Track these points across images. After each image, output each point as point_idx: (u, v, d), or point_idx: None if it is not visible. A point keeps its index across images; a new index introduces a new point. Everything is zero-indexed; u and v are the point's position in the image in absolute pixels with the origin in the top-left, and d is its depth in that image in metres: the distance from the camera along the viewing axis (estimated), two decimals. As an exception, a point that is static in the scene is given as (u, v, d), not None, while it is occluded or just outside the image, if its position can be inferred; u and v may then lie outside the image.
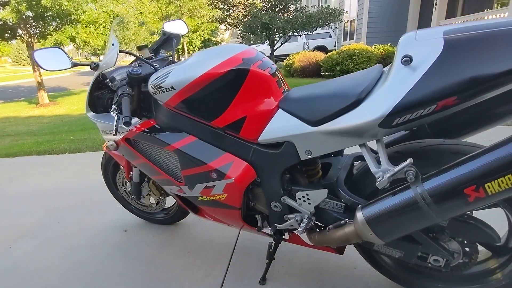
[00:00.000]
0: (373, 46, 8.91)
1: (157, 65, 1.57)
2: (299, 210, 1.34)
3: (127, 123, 1.30)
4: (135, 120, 1.53)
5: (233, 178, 1.32)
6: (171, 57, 1.72)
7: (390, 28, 10.82)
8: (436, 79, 0.90)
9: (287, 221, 1.38)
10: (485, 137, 1.40)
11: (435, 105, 0.91)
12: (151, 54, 1.71)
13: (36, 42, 9.12)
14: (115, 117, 1.42)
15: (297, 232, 1.28)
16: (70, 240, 2.09)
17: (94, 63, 1.49)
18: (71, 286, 1.66)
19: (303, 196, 1.29)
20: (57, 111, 8.40)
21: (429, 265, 1.19)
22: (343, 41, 14.00)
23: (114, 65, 1.43)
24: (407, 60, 0.94)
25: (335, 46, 15.24)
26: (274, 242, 1.52)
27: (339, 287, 1.50)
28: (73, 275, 1.75)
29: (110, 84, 1.47)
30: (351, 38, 13.04)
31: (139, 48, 1.66)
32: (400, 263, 1.37)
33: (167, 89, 1.32)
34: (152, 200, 2.00)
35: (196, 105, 1.32)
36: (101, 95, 1.63)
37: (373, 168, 1.08)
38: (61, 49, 1.42)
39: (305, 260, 1.69)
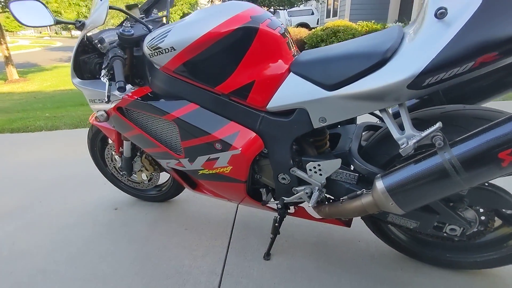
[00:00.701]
0: (357, 23, 8.82)
1: (150, 26, 1.42)
2: (309, 182, 1.27)
3: (122, 89, 1.17)
4: (129, 86, 1.39)
5: (240, 149, 1.23)
6: (164, 17, 1.56)
7: (374, 5, 10.73)
8: (475, 32, 0.82)
9: (296, 193, 1.32)
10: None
11: (473, 62, 0.84)
12: (142, 15, 1.55)
13: (0, 12, 8.43)
14: (107, 83, 1.28)
15: (309, 204, 1.22)
16: (55, 220, 1.96)
17: (80, 21, 1.33)
18: (60, 267, 1.56)
19: (314, 167, 1.23)
20: (29, 87, 7.92)
21: (444, 234, 1.16)
22: (326, 18, 13.83)
23: (103, 23, 1.28)
24: (443, 13, 0.86)
25: (317, 24, 15.03)
26: (279, 217, 1.45)
27: (345, 260, 1.47)
28: (62, 256, 1.64)
29: (99, 46, 1.32)
30: (334, 15, 12.88)
31: (128, 8, 1.50)
32: (411, 234, 1.35)
33: (166, 50, 1.19)
34: (144, 176, 1.89)
35: (198, 68, 1.20)
36: (87, 60, 1.47)
37: (396, 134, 1.02)
38: (42, 2, 1.24)
39: (308, 234, 1.65)
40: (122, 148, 1.76)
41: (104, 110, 1.47)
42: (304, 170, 1.26)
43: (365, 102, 1.03)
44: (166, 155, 1.45)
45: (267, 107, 1.19)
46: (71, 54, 1.44)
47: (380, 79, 0.96)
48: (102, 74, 1.31)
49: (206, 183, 1.49)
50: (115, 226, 1.85)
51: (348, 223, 1.40)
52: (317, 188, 1.26)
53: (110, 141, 1.90)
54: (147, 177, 1.90)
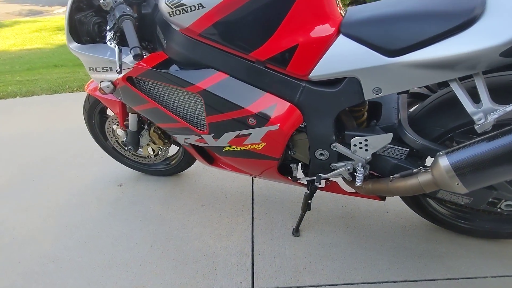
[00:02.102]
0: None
1: None
2: (352, 158, 1.17)
3: (138, 56, 0.97)
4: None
5: (278, 125, 1.10)
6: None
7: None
8: None
9: (335, 170, 1.22)
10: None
11: None
12: None
13: None
14: (116, 49, 1.07)
15: (357, 183, 1.13)
16: (54, 200, 1.80)
17: None
18: (73, 254, 1.44)
19: (360, 143, 1.12)
20: (-11, 46, 7.14)
21: (498, 210, 1.11)
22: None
23: None
24: None
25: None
26: (309, 192, 1.36)
27: (377, 233, 1.42)
28: (71, 241, 1.51)
29: (101, 1, 1.08)
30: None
31: None
32: (453, 208, 1.31)
33: (192, 8, 0.99)
34: (151, 150, 1.73)
35: (230, 30, 1.02)
36: (84, 19, 1.23)
37: (470, 108, 0.91)
38: None
39: (333, 206, 1.59)
40: (127, 121, 1.58)
41: (110, 81, 1.27)
42: (347, 146, 1.15)
43: (435, 71, 0.90)
44: (185, 130, 1.30)
45: (310, 75, 1.04)
46: (63, 12, 1.20)
47: (465, 43, 0.83)
48: (108, 38, 1.10)
49: (230, 160, 1.36)
50: (123, 205, 1.72)
51: (383, 197, 1.33)
52: (360, 164, 1.16)
53: (111, 114, 1.70)
54: (154, 151, 1.75)
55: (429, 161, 1.13)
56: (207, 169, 1.94)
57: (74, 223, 1.62)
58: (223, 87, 1.11)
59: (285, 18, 0.98)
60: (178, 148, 1.77)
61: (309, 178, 1.31)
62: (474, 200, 1.11)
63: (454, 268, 1.23)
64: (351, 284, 1.20)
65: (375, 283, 1.20)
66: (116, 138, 1.77)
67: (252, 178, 1.85)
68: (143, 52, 1.08)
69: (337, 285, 1.21)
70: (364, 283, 1.20)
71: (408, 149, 1.11)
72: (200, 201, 1.70)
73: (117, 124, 1.70)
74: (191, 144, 1.39)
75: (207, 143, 1.31)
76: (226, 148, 1.28)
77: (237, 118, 1.14)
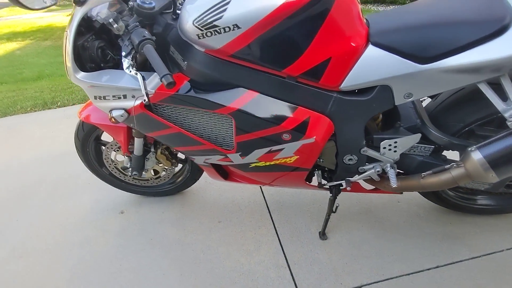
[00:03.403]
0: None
1: None
2: (380, 160, 1.21)
3: (171, 84, 0.91)
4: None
5: (314, 137, 1.10)
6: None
7: None
8: None
9: (363, 172, 1.26)
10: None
11: None
12: None
13: None
14: (139, 77, 0.99)
15: (392, 184, 1.17)
16: (51, 240, 1.63)
17: None
18: (96, 298, 1.33)
19: (390, 145, 1.16)
20: None
21: (512, 191, 1.23)
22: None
23: None
24: None
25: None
26: (333, 196, 1.39)
27: (397, 224, 1.50)
28: (88, 284, 1.39)
29: (115, 26, 0.98)
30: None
31: None
32: (466, 192, 1.42)
33: (226, 29, 0.94)
34: (154, 172, 1.64)
35: (265, 49, 0.99)
36: (87, 44, 1.11)
37: (501, 106, 0.99)
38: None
39: (349, 204, 1.64)
40: (131, 146, 1.47)
41: (124, 109, 1.17)
42: (376, 149, 1.19)
43: (466, 75, 0.96)
44: (209, 152, 1.25)
45: (341, 86, 1.05)
46: (65, 41, 1.07)
47: (497, 50, 0.90)
48: (126, 66, 1.01)
49: (254, 175, 1.34)
50: (133, 234, 1.62)
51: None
52: (389, 165, 1.21)
53: (107, 139, 1.58)
54: (158, 173, 1.66)
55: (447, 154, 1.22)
56: (210, 182, 1.88)
57: (84, 263, 1.49)
58: (255, 106, 1.08)
59: (318, 33, 0.97)
60: (182, 165, 1.70)
61: (336, 183, 1.34)
62: (494, 185, 1.21)
63: (475, 247, 1.35)
64: (391, 278, 1.27)
65: (412, 273, 1.27)
66: (115, 164, 1.64)
67: (260, 186, 1.84)
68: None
69: (379, 282, 1.26)
70: (403, 275, 1.27)
71: (433, 146, 1.18)
72: (215, 217, 1.66)
73: (117, 150, 1.58)
74: (211, 163, 1.35)
75: (232, 162, 1.27)
76: (254, 165, 1.26)
77: (271, 135, 1.12)
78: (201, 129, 1.20)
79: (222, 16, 0.92)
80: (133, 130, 1.40)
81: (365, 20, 1.11)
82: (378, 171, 1.23)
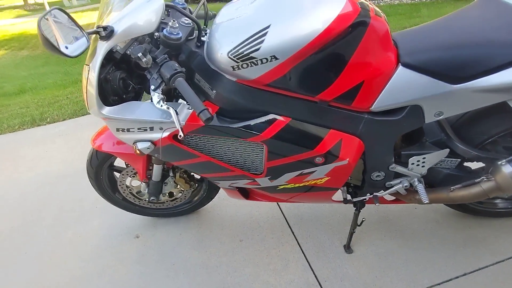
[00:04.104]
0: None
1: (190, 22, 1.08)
2: (407, 175, 1.23)
3: (210, 120, 0.88)
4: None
5: (347, 160, 1.10)
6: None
7: None
8: None
9: (390, 188, 1.27)
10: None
11: None
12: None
13: None
14: (172, 112, 0.96)
15: (424, 200, 1.19)
16: (66, 272, 1.57)
17: (105, 28, 0.92)
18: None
19: (418, 161, 1.18)
20: None
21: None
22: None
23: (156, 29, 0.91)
24: None
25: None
26: (358, 209, 1.40)
27: (418, 231, 1.53)
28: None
29: (144, 60, 0.95)
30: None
31: None
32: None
33: (264, 61, 0.92)
34: (171, 194, 1.61)
35: (300, 77, 0.98)
36: (109, 76, 1.06)
37: None
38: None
39: (366, 213, 1.63)
40: (149, 172, 1.43)
41: (151, 141, 1.13)
42: (404, 164, 1.20)
43: (497, 94, 0.99)
44: (237, 177, 1.23)
45: (372, 107, 1.06)
46: (87, 76, 1.02)
47: None
48: (157, 100, 0.97)
49: (280, 196, 1.33)
50: (153, 260, 1.58)
51: None
52: (416, 179, 1.23)
53: (119, 165, 1.53)
54: (176, 195, 1.62)
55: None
56: (224, 198, 1.85)
57: (107, 295, 1.44)
58: (289, 132, 1.07)
59: (352, 58, 0.97)
60: (198, 185, 1.66)
61: (361, 198, 1.35)
62: (518, 192, 1.25)
63: (497, 251, 1.39)
64: (423, 289, 1.29)
65: (442, 283, 1.30)
66: (130, 190, 1.59)
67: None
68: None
69: (411, 294, 1.28)
70: (433, 285, 1.30)
71: (460, 159, 1.20)
72: (236, 236, 1.64)
73: (132, 176, 1.54)
74: (236, 187, 1.33)
75: (259, 185, 1.26)
76: (282, 187, 1.25)
77: (303, 160, 1.11)
78: (230, 156, 1.17)
79: (259, 48, 0.90)
80: (153, 158, 1.36)
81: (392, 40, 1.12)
82: (406, 186, 1.25)
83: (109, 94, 1.09)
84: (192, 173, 1.54)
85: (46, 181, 2.26)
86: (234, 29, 0.96)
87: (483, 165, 1.31)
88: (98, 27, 0.92)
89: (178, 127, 0.95)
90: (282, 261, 1.48)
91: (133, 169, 1.49)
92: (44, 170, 2.41)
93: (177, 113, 0.97)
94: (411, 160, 1.18)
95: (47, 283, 1.54)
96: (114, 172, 1.60)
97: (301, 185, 1.23)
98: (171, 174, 1.48)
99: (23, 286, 1.54)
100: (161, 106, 0.97)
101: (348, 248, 1.48)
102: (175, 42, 0.99)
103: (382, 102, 1.04)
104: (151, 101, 1.13)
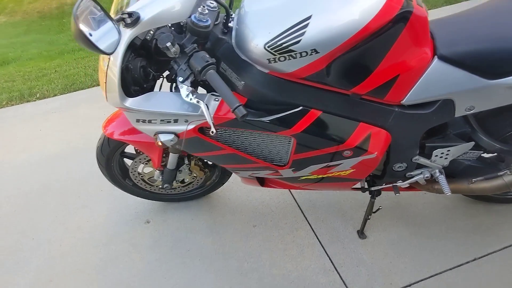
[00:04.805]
0: None
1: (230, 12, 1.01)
2: (429, 166, 1.23)
3: (245, 116, 0.84)
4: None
5: (375, 153, 1.09)
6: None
7: None
8: None
9: (410, 178, 1.28)
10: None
11: None
12: None
13: None
14: (203, 106, 0.91)
15: (446, 191, 1.20)
16: (79, 259, 1.56)
17: (130, 14, 0.84)
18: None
19: (442, 153, 1.18)
20: None
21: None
22: None
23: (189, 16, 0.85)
24: None
25: None
26: (374, 197, 1.42)
27: (429, 218, 1.56)
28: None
29: (173, 50, 0.88)
30: None
31: None
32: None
33: (303, 54, 0.87)
34: (183, 181, 1.58)
35: (337, 71, 0.93)
36: (130, 65, 0.99)
37: None
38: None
39: (378, 200, 1.66)
40: (163, 162, 1.39)
41: (174, 133, 1.08)
42: (427, 156, 1.20)
43: None
44: (260, 168, 1.20)
45: (403, 100, 1.03)
46: (108, 65, 0.94)
47: None
48: (186, 93, 0.92)
49: (300, 185, 1.32)
50: (168, 246, 1.58)
51: None
52: (437, 171, 1.24)
53: (129, 151, 1.49)
54: (189, 181, 1.60)
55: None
56: (233, 182, 1.83)
57: (124, 283, 1.44)
58: (319, 125, 1.04)
59: (389, 51, 0.93)
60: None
61: (379, 187, 1.35)
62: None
63: (504, 236, 1.45)
64: (436, 275, 1.34)
65: (454, 268, 1.35)
66: (141, 176, 1.55)
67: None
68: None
69: (425, 279, 1.33)
70: (446, 270, 1.35)
71: (482, 152, 1.21)
72: (249, 222, 1.65)
73: (145, 164, 1.49)
74: (255, 176, 1.31)
75: (281, 175, 1.24)
76: (304, 177, 1.24)
77: (332, 153, 1.09)
78: (255, 148, 1.14)
79: (299, 40, 0.85)
80: (170, 147, 1.31)
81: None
82: (426, 177, 1.26)
83: (130, 84, 1.02)
84: (206, 161, 1.51)
85: (43, 163, 2.18)
86: (270, 17, 0.89)
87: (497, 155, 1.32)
88: (123, 13, 0.84)
89: (210, 123, 0.91)
90: (298, 247, 1.50)
91: (146, 156, 1.45)
92: (40, 151, 2.32)
93: (207, 107, 0.92)
94: (435, 152, 1.18)
95: (60, 269, 1.52)
96: (125, 159, 1.55)
97: (324, 176, 1.22)
98: (186, 162, 1.45)
99: (36, 273, 1.52)
100: (191, 99, 0.92)
101: (361, 234, 1.51)
102: (204, 30, 0.92)
103: (414, 95, 1.02)
104: (173, 90, 1.07)
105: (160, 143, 1.10)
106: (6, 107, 3.03)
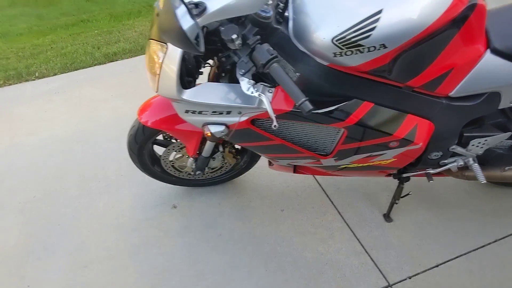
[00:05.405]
0: None
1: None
2: (464, 155, 1.28)
3: (312, 110, 0.85)
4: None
5: (420, 144, 1.12)
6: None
7: None
8: None
9: (443, 166, 1.32)
10: None
11: None
12: None
13: None
14: (265, 100, 0.90)
15: (480, 179, 1.25)
16: (110, 244, 1.57)
17: (197, 4, 0.81)
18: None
19: (479, 143, 1.22)
20: None
21: None
22: None
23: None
24: None
25: None
26: (402, 183, 1.46)
27: (449, 199, 1.63)
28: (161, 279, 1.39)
29: (237, 42, 0.86)
30: None
31: None
32: None
33: (372, 49, 0.86)
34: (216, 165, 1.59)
35: (398, 65, 0.94)
36: (186, 55, 0.96)
37: None
38: None
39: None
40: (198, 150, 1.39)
41: (225, 124, 1.07)
42: (464, 145, 1.24)
43: None
44: (303, 158, 1.22)
45: (451, 93, 1.05)
46: (166, 55, 0.92)
47: None
48: (247, 86, 0.90)
49: (336, 172, 1.35)
50: (198, 231, 1.60)
51: None
52: (471, 159, 1.28)
53: (171, 140, 1.48)
54: (220, 167, 1.61)
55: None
56: (255, 167, 1.83)
57: (159, 268, 1.46)
58: (371, 117, 1.05)
59: (448, 45, 0.93)
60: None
61: (410, 174, 1.40)
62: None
63: (523, 219, 1.53)
64: (461, 256, 1.42)
65: (478, 249, 1.44)
66: (172, 163, 1.55)
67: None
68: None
69: (451, 260, 1.41)
70: (470, 251, 1.43)
71: (513, 141, 1.26)
72: (276, 206, 1.68)
73: (177, 151, 1.48)
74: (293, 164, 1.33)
75: (322, 164, 1.26)
76: (344, 166, 1.27)
77: (378, 143, 1.12)
78: (302, 139, 1.15)
79: (370, 35, 0.84)
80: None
81: None
82: (460, 165, 1.30)
83: (183, 75, 1.00)
84: (238, 147, 1.52)
85: (55, 147, 2.14)
86: (336, 10, 0.88)
87: None
88: (189, 3, 0.81)
89: (273, 117, 0.90)
90: (327, 231, 1.55)
91: (180, 144, 1.44)
92: (49, 134, 2.27)
93: (269, 100, 0.91)
94: (472, 142, 1.22)
95: (93, 255, 1.53)
96: (154, 145, 1.54)
97: (364, 165, 1.25)
98: (220, 149, 1.44)
99: (69, 259, 1.52)
100: (252, 93, 0.90)
101: (388, 217, 1.57)
102: (266, 21, 0.90)
103: (463, 88, 1.04)
104: (217, 80, 1.06)
105: (209, 134, 1.09)
106: (4, 87, 2.91)
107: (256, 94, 0.91)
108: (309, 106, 0.84)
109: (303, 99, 0.84)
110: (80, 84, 2.78)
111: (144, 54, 3.13)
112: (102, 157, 2.03)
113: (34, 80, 2.95)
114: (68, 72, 3.01)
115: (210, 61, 1.14)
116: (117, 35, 3.59)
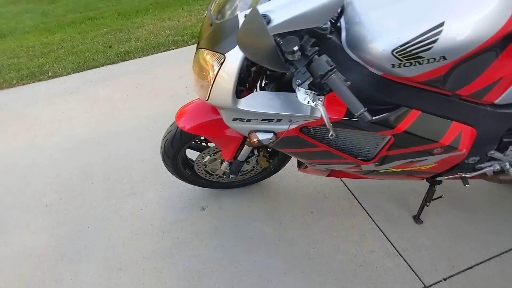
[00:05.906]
0: None
1: None
2: (501, 159, 1.29)
3: (369, 121, 0.85)
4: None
5: (464, 150, 1.13)
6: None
7: None
8: None
9: (479, 170, 1.34)
10: None
11: None
12: None
13: None
14: (322, 111, 0.91)
15: (519, 184, 1.27)
16: (143, 247, 1.57)
17: (265, 15, 0.81)
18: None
19: (518, 147, 1.24)
20: None
21: None
22: None
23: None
24: None
25: None
26: (434, 186, 1.48)
27: (476, 200, 1.65)
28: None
29: (296, 55, 0.86)
30: None
31: None
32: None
33: (431, 60, 0.87)
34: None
35: (452, 75, 0.94)
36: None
37: None
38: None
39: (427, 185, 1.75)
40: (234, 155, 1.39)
41: (273, 132, 1.07)
42: (502, 150, 1.26)
43: None
44: (346, 163, 1.23)
45: (496, 100, 1.07)
46: (222, 65, 0.92)
47: None
48: (304, 97, 0.90)
49: (373, 176, 1.36)
50: (229, 233, 1.61)
51: None
52: (508, 163, 1.30)
53: (206, 145, 1.49)
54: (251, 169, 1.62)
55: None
56: (283, 172, 1.85)
57: (195, 271, 1.47)
58: (418, 125, 1.06)
59: (501, 55, 0.94)
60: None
61: (444, 178, 1.41)
62: None
63: (550, 220, 1.56)
64: (494, 257, 1.44)
65: (510, 250, 1.46)
66: (205, 167, 1.55)
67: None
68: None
69: (485, 261, 1.43)
70: (502, 253, 1.45)
71: (551, 145, 1.28)
72: (305, 208, 1.69)
73: (211, 155, 1.49)
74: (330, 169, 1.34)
75: (361, 169, 1.27)
76: (383, 171, 1.28)
77: (423, 150, 1.13)
78: (348, 146, 1.16)
79: (431, 47, 0.85)
80: (247, 140, 1.31)
81: None
82: (496, 169, 1.32)
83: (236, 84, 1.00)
84: (271, 151, 1.52)
85: (77, 148, 2.14)
86: (395, 21, 0.88)
87: None
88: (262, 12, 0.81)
89: (329, 126, 0.91)
90: (359, 233, 1.57)
91: (215, 148, 1.44)
92: (69, 135, 2.27)
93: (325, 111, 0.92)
94: (511, 147, 1.23)
95: (126, 258, 1.54)
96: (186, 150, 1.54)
97: (402, 170, 1.26)
98: (256, 153, 1.45)
99: (103, 261, 1.53)
100: (308, 103, 0.91)
101: (417, 219, 1.59)
102: (324, 32, 0.90)
103: (509, 96, 1.05)
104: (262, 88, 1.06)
105: (255, 141, 1.10)
106: (18, 86, 2.89)
107: (312, 104, 0.91)
108: (368, 117, 0.85)
109: (362, 110, 0.84)
110: (94, 84, 2.77)
111: (156, 53, 3.15)
112: (125, 159, 2.03)
113: (47, 79, 2.93)
114: (81, 71, 3.00)
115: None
116: (127, 33, 3.57)
